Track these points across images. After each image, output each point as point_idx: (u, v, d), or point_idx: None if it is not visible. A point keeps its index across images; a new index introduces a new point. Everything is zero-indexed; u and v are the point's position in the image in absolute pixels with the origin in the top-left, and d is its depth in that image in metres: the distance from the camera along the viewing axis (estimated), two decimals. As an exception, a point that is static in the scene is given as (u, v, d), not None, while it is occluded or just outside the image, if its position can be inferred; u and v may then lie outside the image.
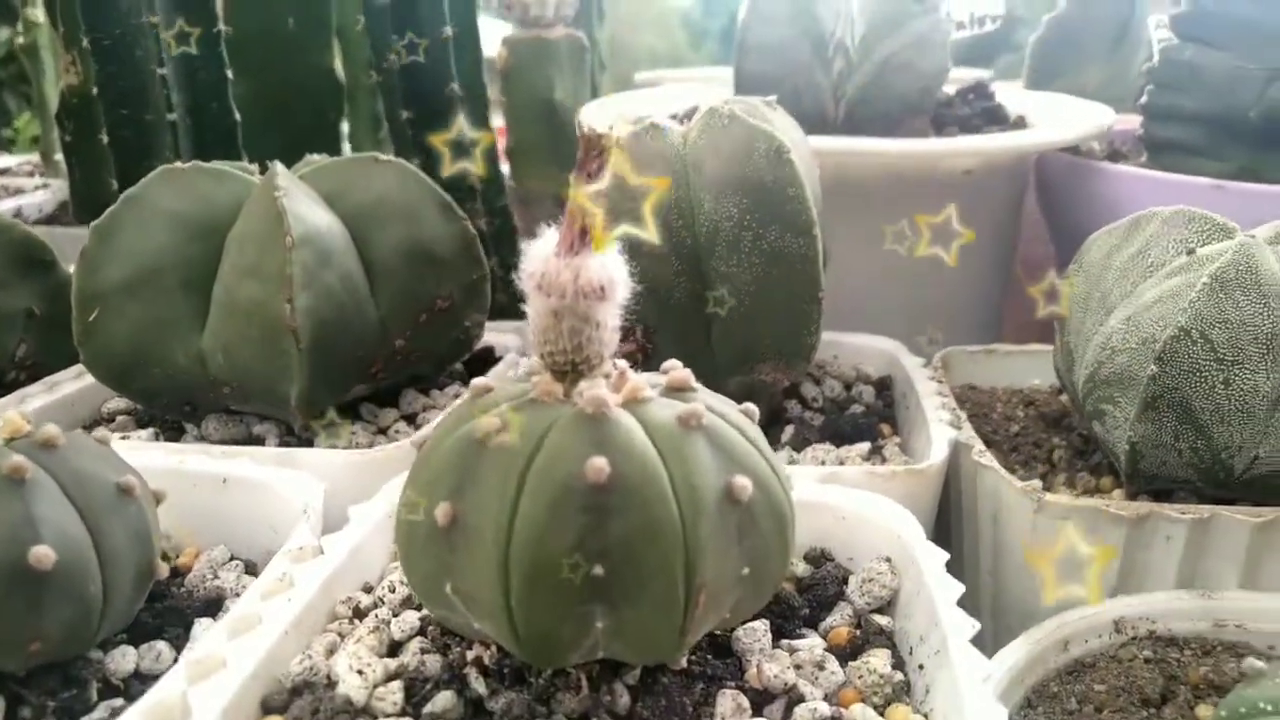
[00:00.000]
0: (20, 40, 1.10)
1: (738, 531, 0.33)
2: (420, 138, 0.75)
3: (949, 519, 0.60)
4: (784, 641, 0.40)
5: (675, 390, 0.37)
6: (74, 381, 0.62)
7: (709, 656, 0.38)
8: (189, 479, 0.49)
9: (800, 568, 0.46)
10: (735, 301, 0.56)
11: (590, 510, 0.31)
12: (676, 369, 0.39)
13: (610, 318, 0.36)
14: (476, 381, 0.37)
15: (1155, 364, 0.48)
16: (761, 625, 0.40)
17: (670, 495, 0.32)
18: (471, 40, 0.77)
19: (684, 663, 0.37)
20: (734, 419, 0.36)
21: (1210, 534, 0.48)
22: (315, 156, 0.64)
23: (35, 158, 1.26)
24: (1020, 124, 0.87)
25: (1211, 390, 0.48)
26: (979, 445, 0.55)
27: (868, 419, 0.63)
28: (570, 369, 0.36)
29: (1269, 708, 0.32)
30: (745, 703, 0.36)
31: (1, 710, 0.36)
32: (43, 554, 0.35)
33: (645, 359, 0.59)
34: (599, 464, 0.31)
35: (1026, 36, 1.11)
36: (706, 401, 0.37)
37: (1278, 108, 0.74)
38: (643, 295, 0.56)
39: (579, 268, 0.34)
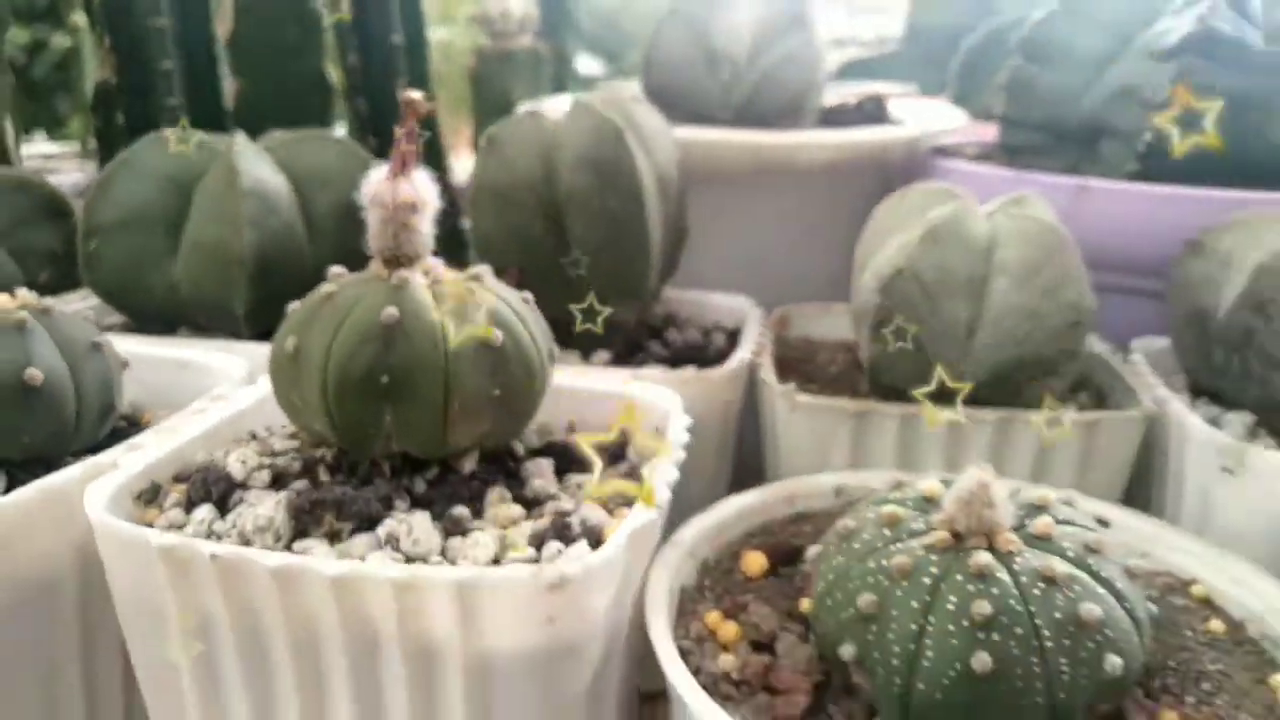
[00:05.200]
0: (67, 44, 1.29)
1: (490, 367, 0.49)
2: (372, 125, 0.92)
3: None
4: (567, 477, 0.56)
5: (474, 279, 0.52)
6: (81, 302, 0.79)
7: (493, 470, 0.53)
8: (152, 361, 0.65)
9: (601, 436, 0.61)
10: (587, 253, 0.71)
11: (381, 340, 0.47)
12: (487, 274, 0.55)
13: (424, 224, 0.51)
14: (332, 269, 0.53)
15: (879, 295, 0.63)
16: (547, 462, 0.56)
17: (437, 335, 0.47)
18: (421, 47, 0.93)
19: (469, 469, 0.52)
20: (512, 302, 0.52)
21: (917, 427, 0.62)
22: (279, 133, 0.81)
23: (77, 146, 1.45)
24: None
25: (920, 318, 0.62)
26: (765, 364, 0.70)
27: (709, 355, 0.78)
28: (396, 261, 0.51)
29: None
30: (509, 495, 0.51)
31: (4, 485, 0.52)
32: (34, 374, 0.52)
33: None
34: (391, 311, 0.47)
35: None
36: (499, 291, 0.52)
37: (1092, 117, 0.89)
38: (517, 246, 0.73)
39: (397, 188, 0.50)
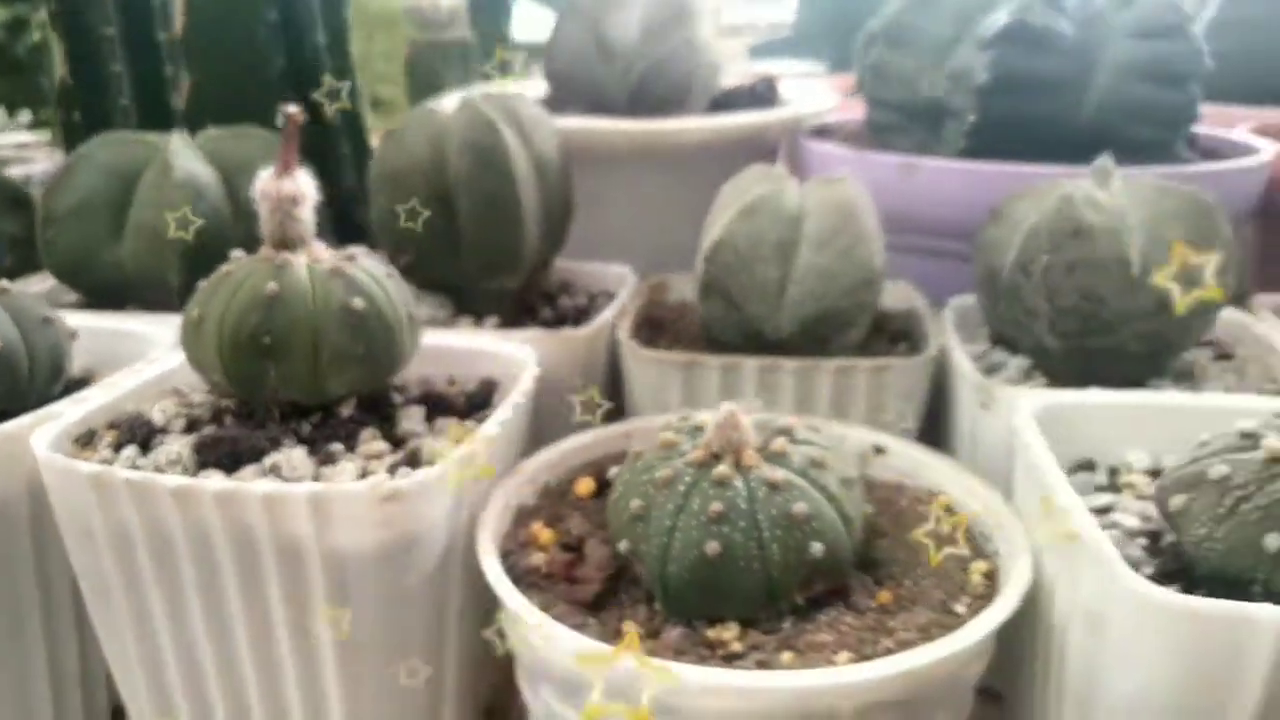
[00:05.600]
0: (37, 37, 1.40)
1: (352, 329, 0.60)
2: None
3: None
4: (437, 420, 0.68)
5: (348, 259, 0.64)
6: (41, 283, 0.91)
7: (370, 415, 0.65)
8: (98, 332, 0.77)
9: (470, 387, 0.73)
10: (471, 231, 0.83)
11: (265, 309, 0.59)
12: (360, 254, 0.66)
13: (305, 214, 0.63)
14: (233, 252, 0.64)
15: (704, 263, 0.74)
16: (419, 409, 0.68)
17: (309, 304, 0.59)
18: (342, 45, 1.05)
19: (347, 414, 0.64)
20: (375, 272, 0.64)
21: (738, 374, 0.74)
22: (213, 130, 0.93)
23: (49, 135, 1.56)
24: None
25: (738, 281, 0.74)
26: (623, 325, 0.81)
27: (592, 318, 0.90)
28: (283, 244, 0.63)
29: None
30: (380, 435, 0.63)
31: (-32, 432, 0.65)
32: (-9, 343, 0.64)
33: (415, 267, 0.86)
34: (272, 285, 0.59)
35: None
36: (368, 266, 0.64)
37: (935, 99, 1.00)
38: (413, 225, 0.84)
39: (280, 184, 0.62)
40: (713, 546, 0.52)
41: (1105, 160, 0.76)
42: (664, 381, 0.76)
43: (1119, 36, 0.92)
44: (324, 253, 0.64)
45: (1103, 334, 0.71)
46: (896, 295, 0.91)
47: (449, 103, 0.90)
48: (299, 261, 0.62)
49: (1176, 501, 0.52)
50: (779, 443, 0.56)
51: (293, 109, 0.62)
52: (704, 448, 0.56)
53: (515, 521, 0.63)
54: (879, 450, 0.69)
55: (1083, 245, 0.71)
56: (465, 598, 0.62)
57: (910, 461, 0.68)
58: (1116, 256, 0.70)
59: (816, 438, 0.59)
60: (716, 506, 0.53)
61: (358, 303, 0.61)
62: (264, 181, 0.62)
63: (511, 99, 0.87)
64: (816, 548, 0.53)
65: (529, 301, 0.92)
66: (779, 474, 0.54)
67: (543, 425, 0.74)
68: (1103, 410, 0.65)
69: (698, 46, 1.06)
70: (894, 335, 0.84)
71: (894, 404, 0.74)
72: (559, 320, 0.89)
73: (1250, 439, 0.52)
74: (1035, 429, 0.61)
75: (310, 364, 0.60)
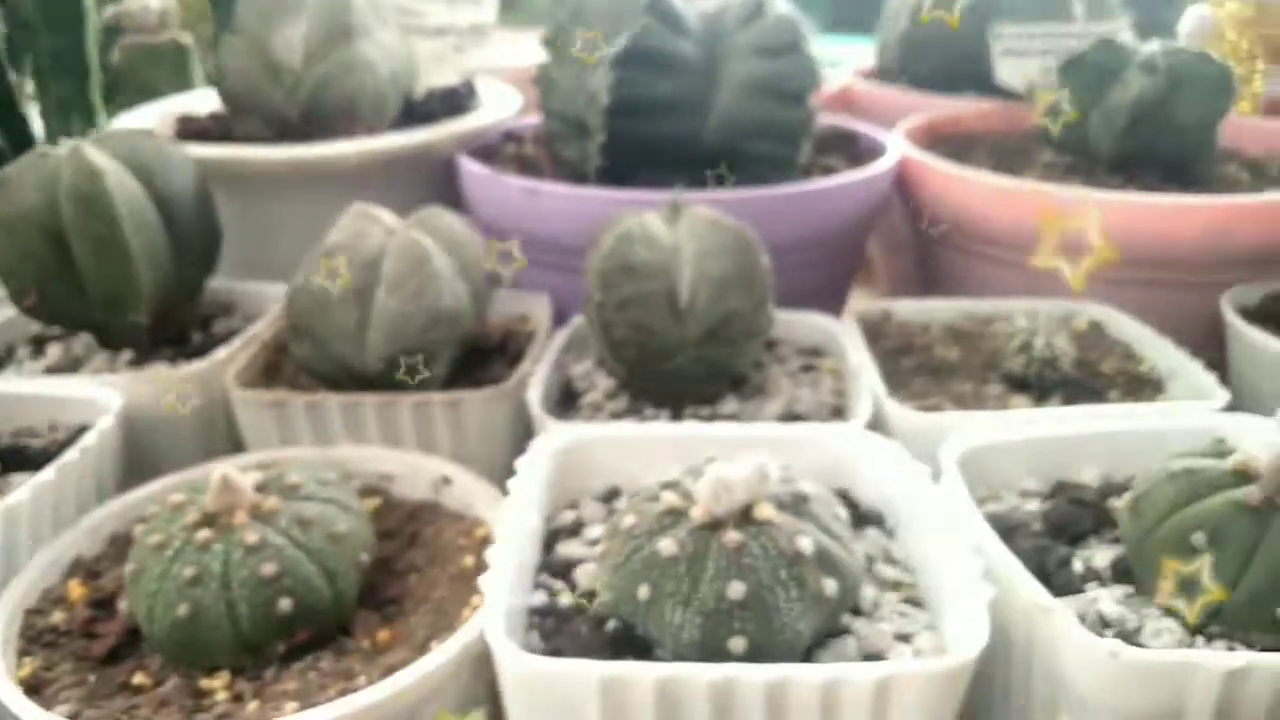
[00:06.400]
0: None
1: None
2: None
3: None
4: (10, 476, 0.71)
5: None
6: None
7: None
8: None
9: (64, 435, 0.76)
10: (88, 273, 0.85)
11: None
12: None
13: None
14: None
15: (286, 307, 0.78)
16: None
17: None
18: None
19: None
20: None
21: (322, 412, 0.78)
22: None
23: None
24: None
25: (319, 324, 0.78)
26: (247, 354, 0.85)
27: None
28: None
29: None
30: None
31: None
32: None
33: (44, 308, 0.87)
34: None
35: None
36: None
37: (581, 116, 1.03)
38: (33, 270, 0.86)
39: None
40: (184, 609, 0.57)
41: (678, 193, 0.81)
42: (260, 419, 0.80)
43: (740, 55, 0.97)
44: None
45: (656, 361, 0.77)
46: (535, 313, 0.96)
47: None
48: None
49: (602, 546, 0.58)
50: (271, 502, 0.61)
51: None
52: (199, 512, 0.60)
53: (66, 575, 0.67)
54: (447, 481, 0.75)
55: (634, 282, 0.76)
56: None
57: (469, 493, 0.73)
58: (665, 291, 0.76)
59: (323, 492, 0.63)
60: (189, 571, 0.57)
61: (-122, 382, 0.63)
62: None
63: (133, 137, 0.89)
64: (285, 603, 0.58)
65: (180, 329, 0.94)
66: (255, 536, 0.59)
67: (157, 465, 0.78)
68: (624, 443, 0.71)
69: (367, 61, 1.08)
70: (515, 357, 0.89)
71: (478, 435, 0.79)
72: (209, 346, 0.92)
73: (669, 488, 0.57)
74: (540, 464, 0.66)
75: None
